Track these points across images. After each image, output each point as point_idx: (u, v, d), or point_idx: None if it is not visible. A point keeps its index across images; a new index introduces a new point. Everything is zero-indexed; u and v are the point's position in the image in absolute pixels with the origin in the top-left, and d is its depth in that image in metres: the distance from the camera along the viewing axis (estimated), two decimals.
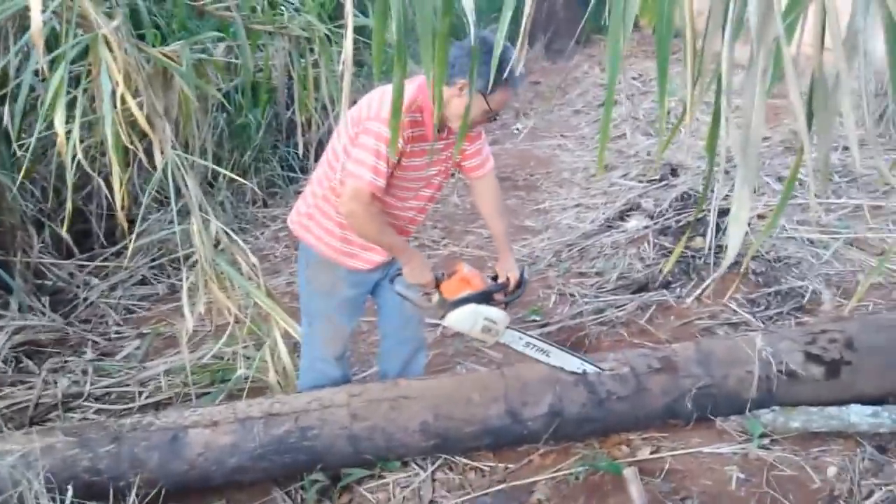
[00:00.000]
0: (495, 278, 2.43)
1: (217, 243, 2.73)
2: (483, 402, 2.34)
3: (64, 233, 2.83)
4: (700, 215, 4.07)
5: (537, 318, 3.42)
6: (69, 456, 2.24)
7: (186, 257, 4.30)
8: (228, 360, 3.09)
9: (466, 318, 2.25)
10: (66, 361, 3.28)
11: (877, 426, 2.18)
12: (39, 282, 3.95)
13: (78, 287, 4.01)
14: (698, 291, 3.28)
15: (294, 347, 2.98)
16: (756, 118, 1.03)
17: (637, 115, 6.32)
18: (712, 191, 4.26)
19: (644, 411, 2.33)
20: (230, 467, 2.28)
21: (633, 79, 7.83)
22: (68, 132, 2.33)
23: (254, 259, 2.75)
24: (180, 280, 4.19)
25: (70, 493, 2.14)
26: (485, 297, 2.30)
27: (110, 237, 4.43)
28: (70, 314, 3.79)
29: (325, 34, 3.35)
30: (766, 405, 2.30)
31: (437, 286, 2.31)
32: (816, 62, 1.17)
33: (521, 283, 2.41)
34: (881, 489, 2.03)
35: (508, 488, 2.30)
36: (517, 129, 7.08)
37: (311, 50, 3.43)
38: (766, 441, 2.25)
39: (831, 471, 2.12)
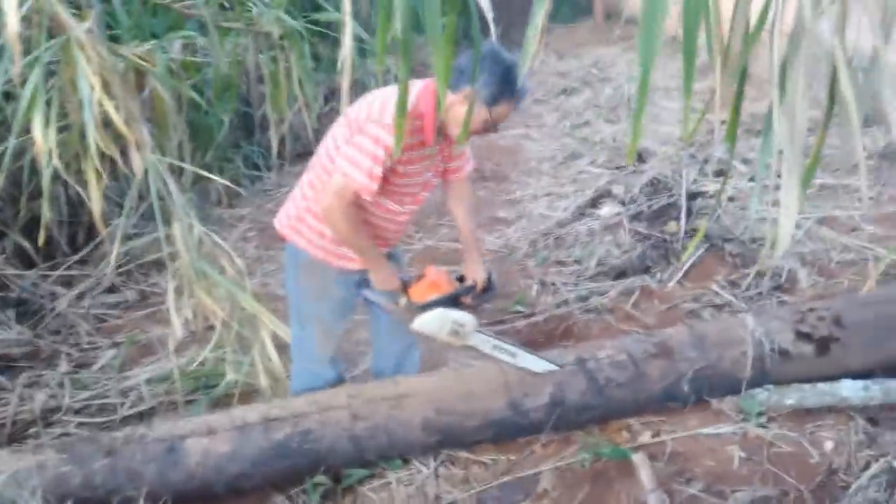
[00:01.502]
0: (461, 279, 2.43)
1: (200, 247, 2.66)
2: (484, 396, 2.34)
3: (39, 241, 2.72)
4: (671, 199, 4.16)
5: (522, 309, 3.43)
6: (62, 473, 2.16)
7: (156, 262, 4.23)
8: (213, 365, 3.02)
9: (434, 322, 2.26)
10: (40, 375, 3.16)
11: (867, 399, 2.25)
12: (2, 294, 3.80)
13: (43, 297, 3.86)
14: (679, 275, 3.33)
15: (282, 350, 2.93)
16: (800, 108, 1.03)
17: (598, 103, 6.38)
18: (681, 175, 4.36)
19: (643, 396, 2.36)
20: (231, 475, 2.24)
21: (590, 66, 7.92)
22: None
23: (239, 262, 2.69)
24: (150, 286, 4.13)
25: None
26: (452, 301, 2.31)
27: (71, 245, 4.28)
28: (38, 326, 3.66)
29: (297, 30, 3.28)
30: (760, 384, 2.35)
31: (405, 290, 2.32)
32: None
33: (489, 286, 2.43)
34: (877, 460, 2.10)
35: (514, 479, 2.30)
36: None
37: (282, 47, 3.36)
38: (762, 420, 2.30)
39: (828, 445, 2.18)
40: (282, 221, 2.47)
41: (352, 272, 2.40)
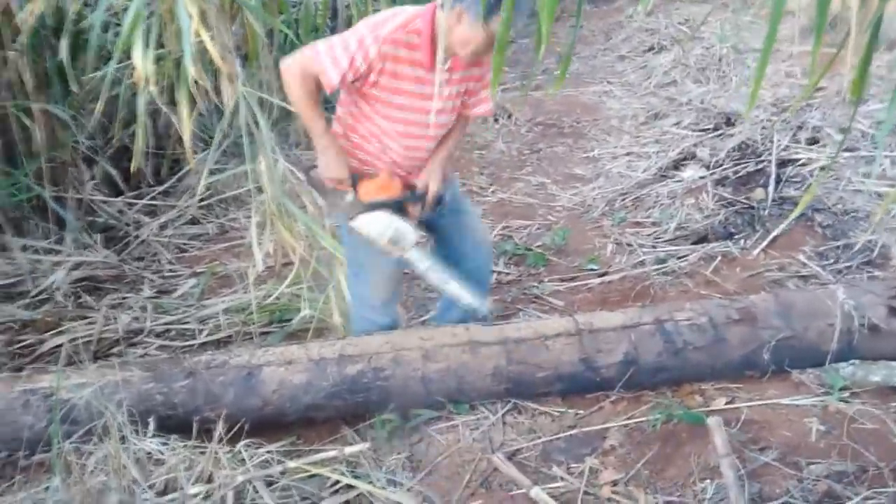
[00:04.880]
0: (412, 188, 2.36)
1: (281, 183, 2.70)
2: (557, 349, 2.33)
3: (132, 168, 2.79)
4: (760, 166, 4.00)
5: (595, 268, 3.38)
6: (146, 390, 2.26)
7: (237, 198, 4.34)
8: (289, 300, 3.09)
9: (376, 224, 2.24)
10: (124, 298, 3.31)
11: None
12: (90, 219, 3.96)
13: (128, 225, 4.02)
14: (764, 243, 3.21)
15: None
16: None
17: (687, 62, 6.14)
18: (771, 141, 4.18)
19: (721, 362, 2.31)
20: (304, 404, 2.30)
21: (680, 24, 7.60)
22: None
23: (320, 201, 2.72)
24: (230, 221, 4.24)
25: (151, 425, 2.18)
26: (398, 206, 2.27)
27: (156, 176, 4.42)
28: (123, 251, 3.81)
29: None
30: (846, 359, 2.27)
31: (354, 186, 2.28)
32: None
33: (439, 201, 2.36)
34: None
35: (580, 434, 2.30)
36: (556, 74, 6.93)
37: None
38: (845, 394, 2.22)
39: None
40: None
41: None
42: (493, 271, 3.40)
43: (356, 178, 2.29)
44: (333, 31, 4.55)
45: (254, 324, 2.99)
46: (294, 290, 2.97)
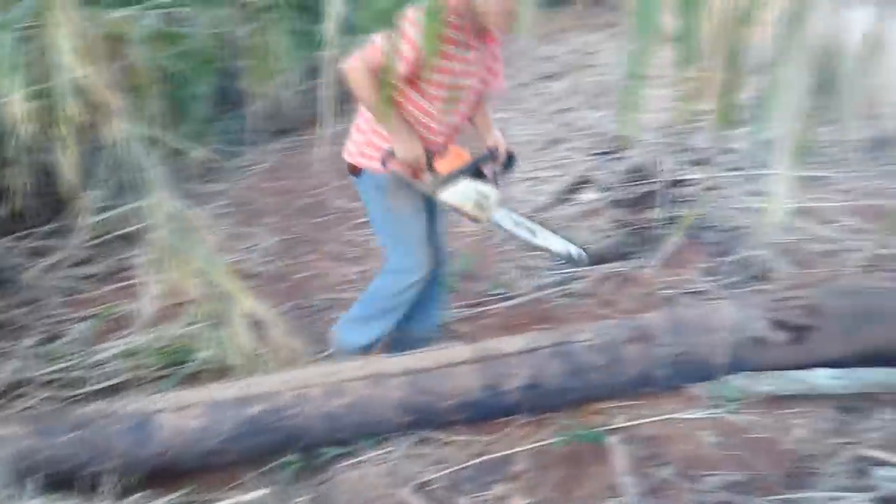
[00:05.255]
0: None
1: (173, 220, 2.62)
2: (461, 377, 2.32)
3: (9, 211, 2.64)
4: (652, 187, 4.17)
5: (500, 292, 3.42)
6: (27, 446, 2.12)
7: (130, 236, 4.15)
8: (185, 341, 2.97)
9: (460, 193, 2.31)
10: (10, 346, 3.10)
11: (840, 388, 2.27)
12: None
13: (13, 268, 3.78)
14: (656, 262, 3.34)
15: (256, 327, 2.90)
16: (792, 95, 1.02)
17: (582, 89, 6.36)
18: (661, 163, 4.38)
19: (620, 380, 2.36)
20: (202, 451, 2.20)
21: (577, 51, 7.88)
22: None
23: (213, 238, 2.65)
24: (123, 260, 4.06)
25: (31, 486, 2.03)
26: (475, 169, 2.35)
27: (43, 215, 4.19)
28: (6, 297, 3.58)
29: (280, 2, 3.21)
30: (736, 371, 2.36)
31: (430, 165, 2.35)
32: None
33: (511, 155, 2.47)
34: (846, 448, 2.12)
35: (488, 460, 2.29)
36: None
37: (264, 19, 3.29)
38: (736, 406, 2.31)
39: (800, 432, 2.20)
40: (352, 153, 2.52)
41: None
42: None
43: (429, 156, 2.36)
44: (228, 63, 4.46)
45: (148, 368, 2.86)
46: (191, 331, 2.87)
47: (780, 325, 2.36)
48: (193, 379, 2.79)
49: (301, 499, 2.22)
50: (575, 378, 2.34)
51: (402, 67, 2.18)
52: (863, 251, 3.02)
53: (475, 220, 2.43)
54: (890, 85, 1.14)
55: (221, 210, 4.83)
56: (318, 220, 4.50)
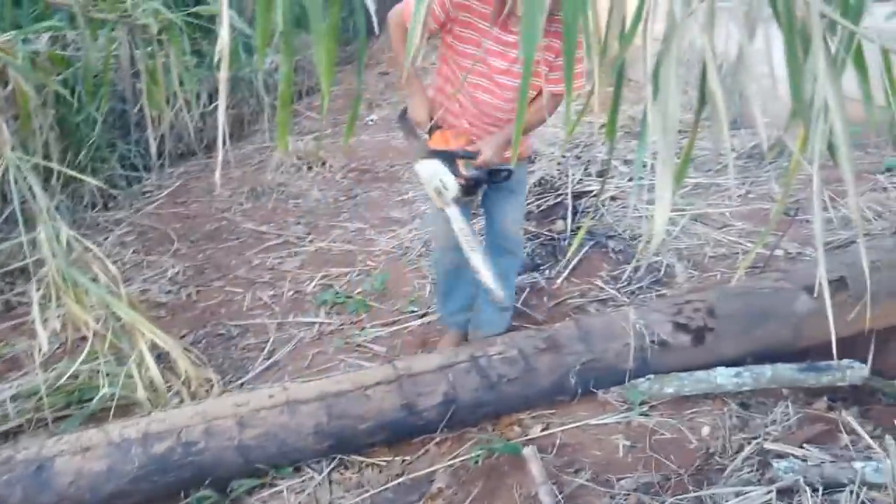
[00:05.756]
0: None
1: (69, 252, 2.50)
2: (378, 398, 2.31)
3: None
4: (558, 199, 4.28)
5: (415, 310, 3.42)
6: None
7: (23, 270, 3.93)
8: (87, 378, 2.83)
9: (427, 170, 2.37)
10: None
11: (740, 385, 2.39)
12: None
13: None
14: (566, 272, 3.42)
15: (162, 360, 2.79)
16: (671, 107, 1.07)
17: None
18: (567, 176, 4.50)
19: (534, 390, 2.40)
20: (106, 494, 2.10)
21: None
22: None
23: (113, 268, 2.54)
24: (16, 296, 3.83)
25: None
26: (450, 158, 2.38)
27: None
28: None
29: (176, 23, 3.13)
30: (643, 374, 2.44)
31: (430, 132, 2.44)
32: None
33: (492, 173, 2.43)
34: (749, 443, 2.22)
35: (408, 480, 2.29)
36: (371, 120, 7.03)
37: (160, 41, 3.20)
38: (645, 408, 2.39)
39: (705, 430, 2.29)
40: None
41: None
42: (315, 322, 3.35)
43: (434, 127, 2.44)
44: (124, 87, 4.31)
45: (48, 409, 2.70)
46: (93, 367, 2.73)
47: (681, 328, 2.46)
48: (97, 418, 2.66)
49: None
50: (491, 391, 2.37)
51: (428, 22, 2.19)
52: (753, 253, 3.19)
53: (433, 201, 2.45)
54: (765, 96, 1.22)
55: (123, 238, 4.64)
56: (227, 244, 4.38)
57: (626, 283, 3.26)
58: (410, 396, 2.32)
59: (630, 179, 4.46)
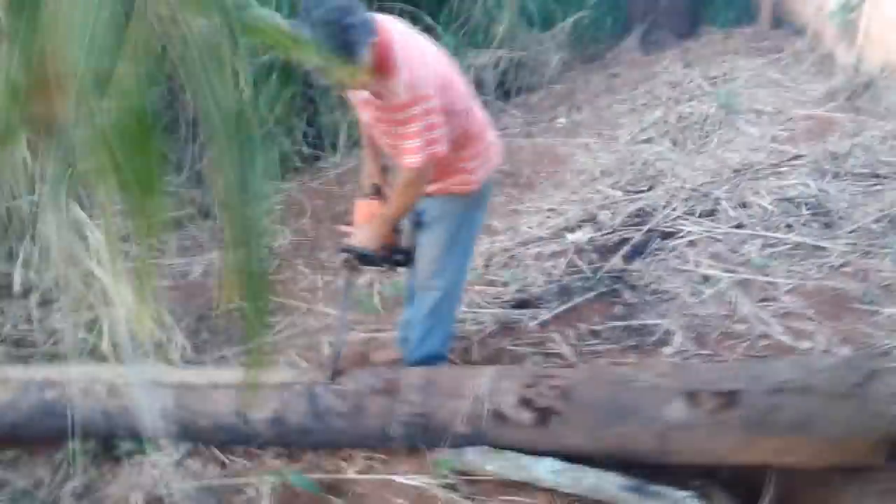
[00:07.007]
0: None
1: None
2: (217, 399, 2.43)
3: None
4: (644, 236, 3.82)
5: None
6: None
7: None
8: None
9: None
10: None
11: (557, 484, 2.01)
12: None
13: None
14: (549, 315, 3.10)
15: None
16: None
17: (668, 119, 5.88)
18: (666, 209, 3.98)
19: (360, 430, 2.30)
20: (10, 422, 2.56)
21: (709, 78, 7.24)
22: None
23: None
24: None
25: None
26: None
27: None
28: None
29: None
30: (477, 443, 2.19)
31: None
32: None
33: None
34: None
35: (219, 485, 2.37)
36: (561, 122, 6.83)
37: None
38: (459, 480, 2.15)
39: None
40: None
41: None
42: None
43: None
44: None
45: None
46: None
47: (526, 403, 2.14)
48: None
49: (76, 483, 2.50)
50: (317, 420, 2.33)
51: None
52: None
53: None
54: None
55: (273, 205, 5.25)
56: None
57: (597, 342, 2.85)
58: (245, 405, 2.39)
59: (738, 226, 3.75)
